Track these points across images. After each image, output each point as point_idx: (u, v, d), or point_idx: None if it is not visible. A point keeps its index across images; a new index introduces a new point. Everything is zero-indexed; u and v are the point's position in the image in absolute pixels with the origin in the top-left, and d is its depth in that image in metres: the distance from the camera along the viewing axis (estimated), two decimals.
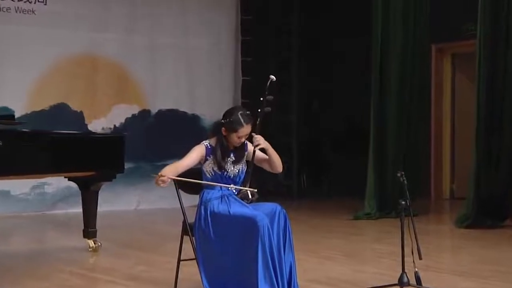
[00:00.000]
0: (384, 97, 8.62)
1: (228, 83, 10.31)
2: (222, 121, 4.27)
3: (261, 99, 4.40)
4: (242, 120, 4.23)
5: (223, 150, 4.26)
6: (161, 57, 9.83)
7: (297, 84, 11.40)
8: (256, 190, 4.25)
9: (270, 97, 4.40)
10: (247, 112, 4.29)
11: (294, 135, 11.43)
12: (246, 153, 4.38)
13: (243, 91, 10.32)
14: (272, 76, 4.45)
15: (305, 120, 11.82)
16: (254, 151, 4.35)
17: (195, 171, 4.31)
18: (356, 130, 11.54)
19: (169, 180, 4.07)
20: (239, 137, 4.25)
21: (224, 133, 4.27)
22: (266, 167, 4.43)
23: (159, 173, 4.06)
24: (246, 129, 4.24)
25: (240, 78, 10.43)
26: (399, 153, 8.59)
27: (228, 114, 4.29)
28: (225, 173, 4.27)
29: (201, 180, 4.28)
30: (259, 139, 4.29)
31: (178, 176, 4.17)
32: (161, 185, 4.06)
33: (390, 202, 8.25)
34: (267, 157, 4.39)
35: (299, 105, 11.58)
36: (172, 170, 4.15)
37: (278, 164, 4.39)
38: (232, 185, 4.28)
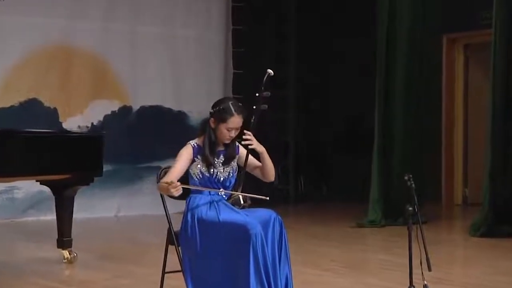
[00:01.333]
0: (390, 92, 8.64)
1: (218, 77, 10.31)
2: (211, 110, 4.28)
3: (257, 95, 4.39)
4: (232, 109, 4.22)
5: (211, 145, 4.25)
6: (144, 48, 9.82)
7: (294, 78, 11.41)
8: (268, 198, 4.17)
9: (267, 94, 4.39)
10: (240, 103, 4.30)
11: (291, 134, 11.44)
12: (237, 156, 4.37)
13: (235, 85, 10.32)
14: (269, 71, 4.44)
15: (304, 118, 11.83)
16: (247, 155, 4.34)
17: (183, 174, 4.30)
18: (359, 129, 11.56)
19: (181, 186, 4.04)
20: (228, 130, 4.24)
21: (212, 124, 4.26)
22: (257, 174, 4.42)
23: (166, 181, 4.00)
24: (236, 119, 4.23)
25: (231, 71, 10.43)
26: (406, 154, 8.61)
27: (217, 103, 4.30)
28: (214, 176, 4.27)
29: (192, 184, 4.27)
30: (250, 136, 4.28)
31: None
32: (175, 193, 4.01)
33: (397, 208, 8.26)
34: (259, 164, 4.38)
35: (297, 102, 11.59)
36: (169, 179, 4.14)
37: (271, 173, 4.39)
38: (222, 190, 4.28)
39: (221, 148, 4.33)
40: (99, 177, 6.15)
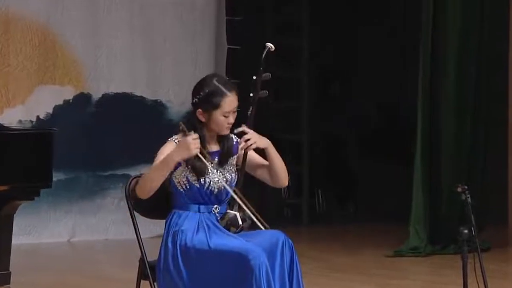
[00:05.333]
0: (438, 78, 8.62)
1: (206, 55, 10.29)
2: (194, 100, 4.29)
3: (254, 78, 4.40)
4: (222, 88, 4.26)
5: (202, 143, 4.25)
6: (107, 16, 9.80)
7: (308, 55, 11.40)
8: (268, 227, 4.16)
9: (266, 76, 4.41)
10: (225, 77, 4.32)
11: (304, 132, 11.43)
12: (236, 155, 4.38)
13: (230, 65, 10.29)
14: (269, 44, 4.46)
15: (321, 109, 11.82)
16: (245, 153, 4.35)
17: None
18: (396, 125, 11.55)
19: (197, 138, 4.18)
20: (225, 116, 4.26)
21: (201, 117, 4.27)
22: (263, 177, 4.43)
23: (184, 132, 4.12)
24: (231, 99, 4.27)
25: (224, 47, 10.41)
26: (460, 160, 8.60)
27: (198, 87, 4.31)
28: (206, 186, 4.27)
29: (175, 197, 4.28)
30: (251, 134, 4.29)
31: (154, 195, 4.18)
32: (193, 147, 4.14)
33: (447, 231, 8.26)
34: (263, 161, 4.39)
35: (312, 86, 11.58)
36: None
37: (282, 174, 4.39)
38: (216, 206, 4.28)
39: (214, 148, 4.35)
40: (48, 189, 6.15)
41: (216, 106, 4.24)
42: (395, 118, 11.64)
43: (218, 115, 4.26)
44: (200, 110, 4.27)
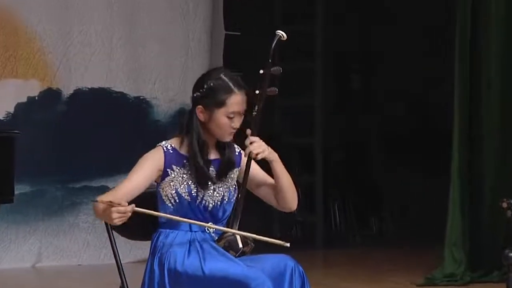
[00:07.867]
0: (478, 76, 8.64)
1: (200, 42, 10.31)
2: (195, 94, 4.31)
3: (262, 72, 4.42)
4: (230, 84, 4.28)
5: (203, 149, 4.28)
6: None
7: (322, 43, 11.44)
8: (288, 245, 4.12)
9: (275, 70, 4.42)
10: (236, 75, 4.34)
11: (318, 135, 11.46)
12: (238, 168, 4.41)
13: (228, 55, 10.32)
14: (280, 32, 4.48)
15: (339, 107, 11.84)
16: (248, 164, 4.36)
17: (148, 195, 4.34)
18: (428, 127, 11.57)
19: (130, 212, 4.07)
20: (230, 117, 4.28)
21: (201, 116, 4.30)
22: (268, 197, 4.47)
23: (104, 199, 4.05)
24: (239, 98, 4.29)
25: (222, 33, 10.43)
26: (503, 172, 8.61)
27: (201, 80, 4.34)
28: (199, 201, 4.30)
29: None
30: (257, 142, 4.32)
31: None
32: (117, 221, 4.05)
33: (490, 255, 8.28)
34: (270, 180, 4.43)
35: (327, 80, 11.61)
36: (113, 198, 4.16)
37: (290, 194, 4.43)
38: (210, 224, 4.30)
39: (214, 156, 4.37)
40: (8, 205, 6.18)
41: (220, 103, 4.27)
42: (428, 118, 11.66)
43: (220, 114, 4.28)
44: (200, 107, 4.29)
